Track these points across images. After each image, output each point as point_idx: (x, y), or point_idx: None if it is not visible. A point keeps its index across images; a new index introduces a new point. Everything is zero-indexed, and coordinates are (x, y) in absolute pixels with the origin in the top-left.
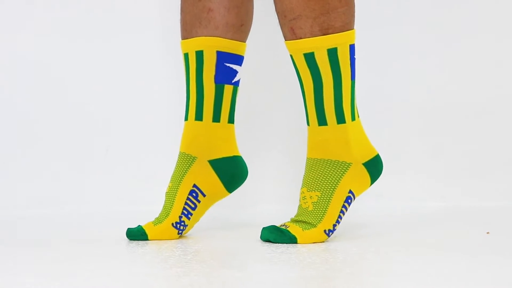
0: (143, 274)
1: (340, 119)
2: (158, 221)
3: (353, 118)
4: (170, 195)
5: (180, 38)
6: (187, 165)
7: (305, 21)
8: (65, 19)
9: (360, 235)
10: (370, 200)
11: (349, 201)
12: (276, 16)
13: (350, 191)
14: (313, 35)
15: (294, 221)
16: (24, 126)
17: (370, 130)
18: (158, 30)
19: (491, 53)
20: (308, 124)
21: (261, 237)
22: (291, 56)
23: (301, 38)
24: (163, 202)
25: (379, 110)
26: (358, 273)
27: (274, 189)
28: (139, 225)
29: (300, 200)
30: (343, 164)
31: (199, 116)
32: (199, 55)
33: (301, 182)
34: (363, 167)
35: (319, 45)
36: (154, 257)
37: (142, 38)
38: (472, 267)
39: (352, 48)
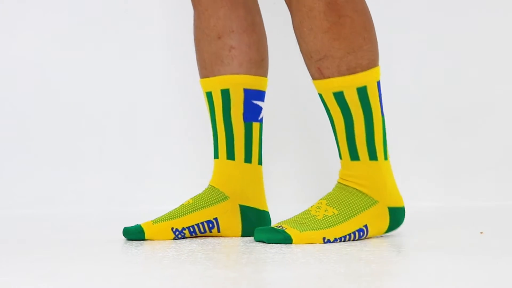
0: (137, 275)
1: (373, 155)
2: (158, 220)
3: (385, 158)
4: (186, 208)
5: (199, 77)
6: (217, 200)
7: (332, 61)
8: (57, 20)
9: None
10: None
11: (361, 233)
12: (301, 56)
13: (366, 226)
14: (341, 74)
15: (292, 221)
16: (18, 126)
17: None
18: (152, 29)
19: (483, 55)
20: (340, 158)
21: (254, 238)
22: (319, 94)
23: (329, 78)
24: (173, 208)
25: None
26: (352, 274)
27: (268, 190)
28: (137, 224)
29: (311, 207)
30: (370, 199)
31: (230, 156)
32: (225, 93)
33: (296, 182)
34: (387, 210)
35: (348, 84)
36: (148, 257)
37: (136, 38)
38: (465, 267)
39: (379, 84)
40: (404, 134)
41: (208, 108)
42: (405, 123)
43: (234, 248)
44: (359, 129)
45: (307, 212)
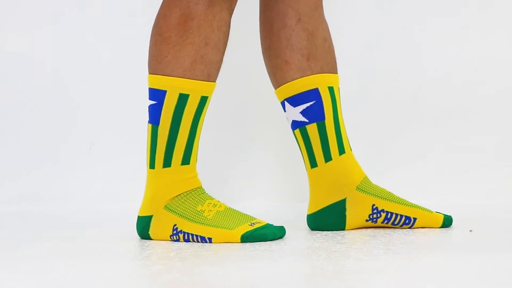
0: (125, 271)
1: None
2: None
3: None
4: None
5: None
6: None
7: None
8: (49, 16)
9: (342, 234)
10: None
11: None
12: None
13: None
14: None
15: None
16: (8, 122)
17: (355, 129)
18: (143, 26)
19: (476, 53)
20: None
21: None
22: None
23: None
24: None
25: (364, 109)
26: (340, 271)
27: (257, 185)
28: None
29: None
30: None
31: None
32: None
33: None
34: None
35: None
36: (136, 254)
37: (126, 35)
38: (454, 264)
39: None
40: (396, 134)
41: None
42: (396, 122)
43: (223, 246)
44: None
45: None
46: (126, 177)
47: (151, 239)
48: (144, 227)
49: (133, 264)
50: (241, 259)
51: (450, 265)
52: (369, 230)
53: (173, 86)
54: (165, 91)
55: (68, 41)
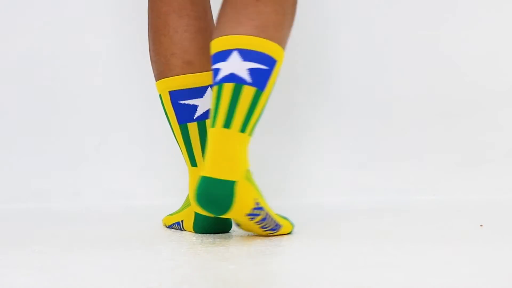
0: (136, 267)
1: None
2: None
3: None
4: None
5: None
6: (185, 205)
7: None
8: (57, 15)
9: (353, 229)
10: (362, 194)
11: None
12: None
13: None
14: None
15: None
16: (15, 121)
17: (362, 124)
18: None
19: (484, 48)
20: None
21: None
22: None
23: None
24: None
25: (371, 104)
26: (351, 266)
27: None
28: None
29: None
30: None
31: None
32: (160, 100)
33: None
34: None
35: None
36: (147, 250)
37: (134, 35)
38: (464, 259)
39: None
40: (405, 129)
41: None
42: (405, 117)
43: (234, 241)
44: None
45: None
46: (135, 174)
47: (227, 213)
48: (227, 195)
49: (144, 259)
50: (252, 255)
51: (461, 260)
52: (378, 223)
53: (281, 59)
54: (276, 61)
55: (77, 38)
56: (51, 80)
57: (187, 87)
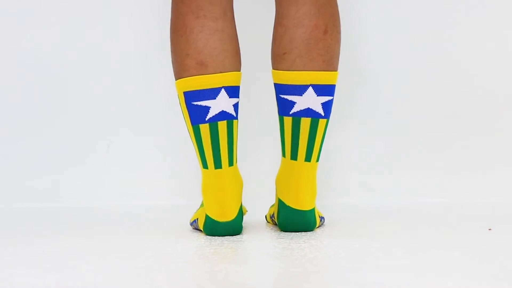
0: (144, 268)
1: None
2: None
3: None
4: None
5: None
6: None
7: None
8: (66, 14)
9: (362, 232)
10: (372, 197)
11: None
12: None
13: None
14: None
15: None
16: (26, 120)
17: (370, 126)
18: (160, 27)
19: (492, 50)
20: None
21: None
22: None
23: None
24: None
25: (379, 107)
26: (360, 268)
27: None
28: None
29: None
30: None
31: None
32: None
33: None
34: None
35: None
36: (156, 252)
37: (144, 36)
38: (473, 262)
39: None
40: (414, 131)
41: None
42: (415, 120)
43: (242, 243)
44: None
45: None
46: (144, 175)
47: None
48: (311, 222)
49: (152, 261)
50: (260, 257)
51: (470, 263)
52: (388, 226)
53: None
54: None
55: (88, 38)
56: (63, 80)
57: (200, 88)
